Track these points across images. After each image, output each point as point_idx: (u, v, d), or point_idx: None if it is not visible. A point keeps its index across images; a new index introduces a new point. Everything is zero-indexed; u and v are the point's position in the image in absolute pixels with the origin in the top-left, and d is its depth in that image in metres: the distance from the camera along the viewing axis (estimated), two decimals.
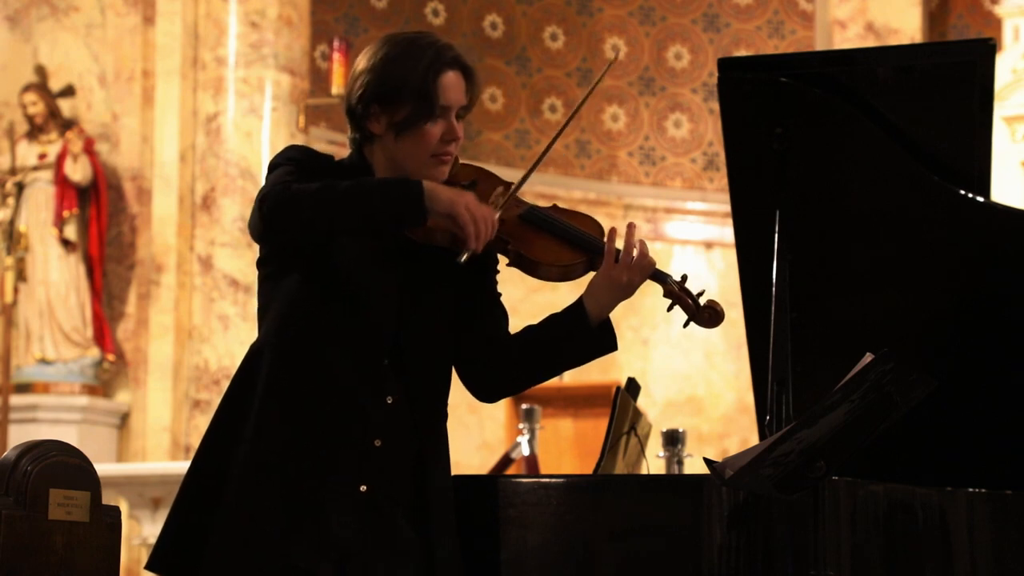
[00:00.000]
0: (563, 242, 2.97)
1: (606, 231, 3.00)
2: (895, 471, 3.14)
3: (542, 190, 10.26)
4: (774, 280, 3.14)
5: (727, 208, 3.54)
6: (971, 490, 3.17)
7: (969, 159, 3.38)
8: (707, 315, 3.02)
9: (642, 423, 4.17)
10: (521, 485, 3.10)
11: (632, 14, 11.64)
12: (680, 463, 4.61)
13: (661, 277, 3.02)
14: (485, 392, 3.09)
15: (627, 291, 2.98)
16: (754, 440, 3.34)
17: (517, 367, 3.04)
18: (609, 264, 2.96)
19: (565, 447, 9.84)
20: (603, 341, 3.01)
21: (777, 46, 11.27)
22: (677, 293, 3.00)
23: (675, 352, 10.94)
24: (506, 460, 6.96)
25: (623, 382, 4.16)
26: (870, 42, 9.72)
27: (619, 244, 2.98)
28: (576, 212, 3.06)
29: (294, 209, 2.80)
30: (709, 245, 11.19)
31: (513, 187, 2.97)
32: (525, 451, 6.76)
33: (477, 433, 10.57)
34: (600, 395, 9.53)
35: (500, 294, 3.09)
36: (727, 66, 3.37)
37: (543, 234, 2.97)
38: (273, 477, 2.84)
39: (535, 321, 3.07)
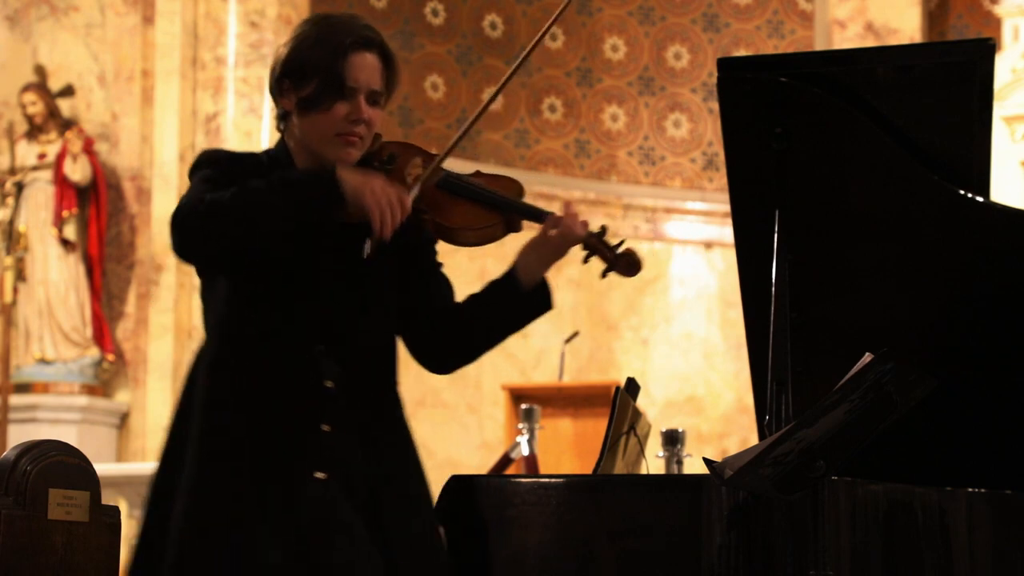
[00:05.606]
0: (477, 205, 2.94)
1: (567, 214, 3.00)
2: (895, 471, 3.14)
3: (541, 190, 10.23)
4: (774, 280, 3.14)
5: (727, 208, 3.54)
6: (971, 490, 3.17)
7: (969, 159, 3.37)
8: (624, 263, 3.01)
9: (641, 423, 4.16)
10: (521, 485, 3.10)
11: (632, 14, 11.63)
12: (680, 463, 4.61)
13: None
14: (437, 362, 3.08)
15: (556, 255, 2.99)
16: (754, 440, 3.33)
17: (466, 335, 3.04)
18: (541, 229, 2.97)
19: (565, 447, 9.83)
20: (538, 302, 3.01)
21: (777, 46, 11.26)
22: (593, 243, 3.00)
23: (675, 352, 10.92)
24: (506, 460, 6.95)
25: (623, 382, 4.15)
26: (870, 42, 9.72)
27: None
28: (499, 176, 3.03)
29: (209, 224, 2.76)
30: (709, 245, 11.18)
31: (436, 160, 2.92)
32: (525, 451, 6.76)
33: (477, 433, 10.56)
34: (600, 395, 9.52)
35: (441, 264, 3.07)
36: (727, 66, 3.36)
37: (458, 199, 2.94)
38: (229, 475, 2.80)
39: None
